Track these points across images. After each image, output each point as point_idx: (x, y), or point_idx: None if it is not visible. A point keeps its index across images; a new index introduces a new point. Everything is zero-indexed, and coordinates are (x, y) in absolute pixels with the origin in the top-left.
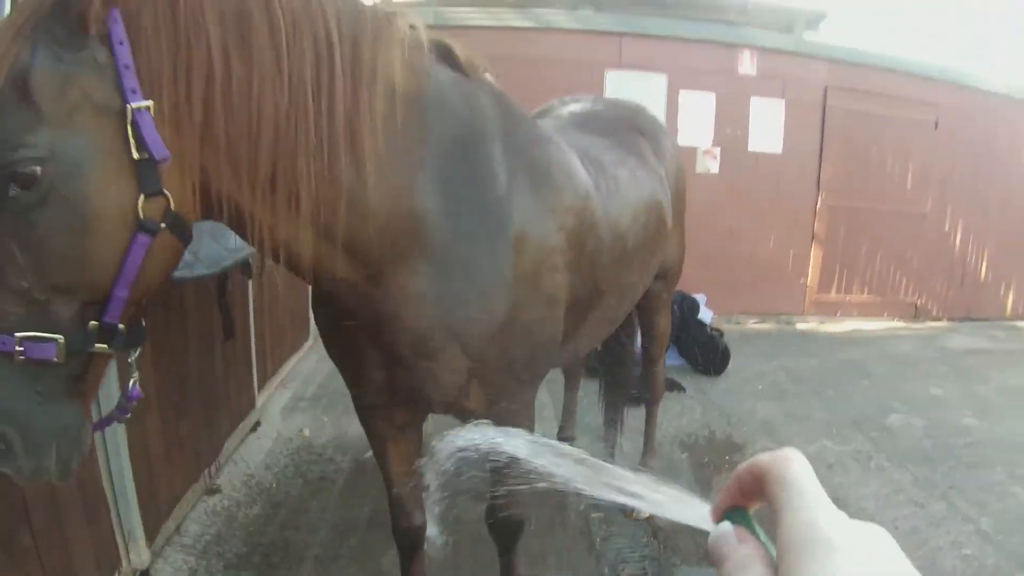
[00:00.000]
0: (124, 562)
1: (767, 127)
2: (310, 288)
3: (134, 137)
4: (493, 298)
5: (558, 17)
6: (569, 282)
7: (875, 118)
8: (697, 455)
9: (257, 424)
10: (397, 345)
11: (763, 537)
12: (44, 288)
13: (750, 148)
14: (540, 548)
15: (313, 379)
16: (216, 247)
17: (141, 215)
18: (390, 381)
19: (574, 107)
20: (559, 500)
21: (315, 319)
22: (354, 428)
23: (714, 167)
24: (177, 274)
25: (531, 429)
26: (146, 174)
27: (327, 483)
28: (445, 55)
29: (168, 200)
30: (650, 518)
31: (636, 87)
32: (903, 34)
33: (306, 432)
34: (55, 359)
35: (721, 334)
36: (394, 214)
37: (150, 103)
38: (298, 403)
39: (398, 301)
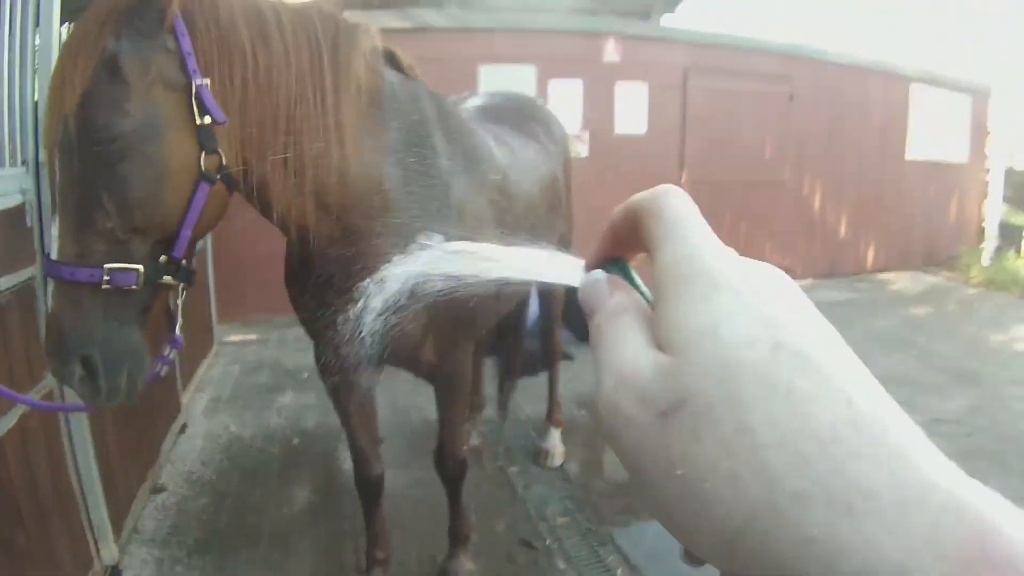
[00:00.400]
0: (95, 560)
1: (632, 110)
2: (287, 271)
3: (198, 105)
4: None
5: (433, 17)
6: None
7: (733, 94)
8: (594, 410)
9: (184, 426)
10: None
11: (643, 289)
12: (126, 229)
13: (616, 131)
14: (469, 504)
15: (226, 383)
16: None
17: (203, 167)
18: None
19: (476, 101)
20: (475, 456)
21: (289, 291)
22: (275, 420)
23: (583, 151)
24: None
25: (473, 379)
26: (206, 136)
27: (264, 471)
28: (391, 60)
29: (221, 157)
30: (563, 464)
31: (508, 78)
32: (756, 14)
33: (233, 428)
34: (135, 286)
35: None
36: (367, 185)
37: (207, 80)
38: (217, 404)
39: (369, 257)
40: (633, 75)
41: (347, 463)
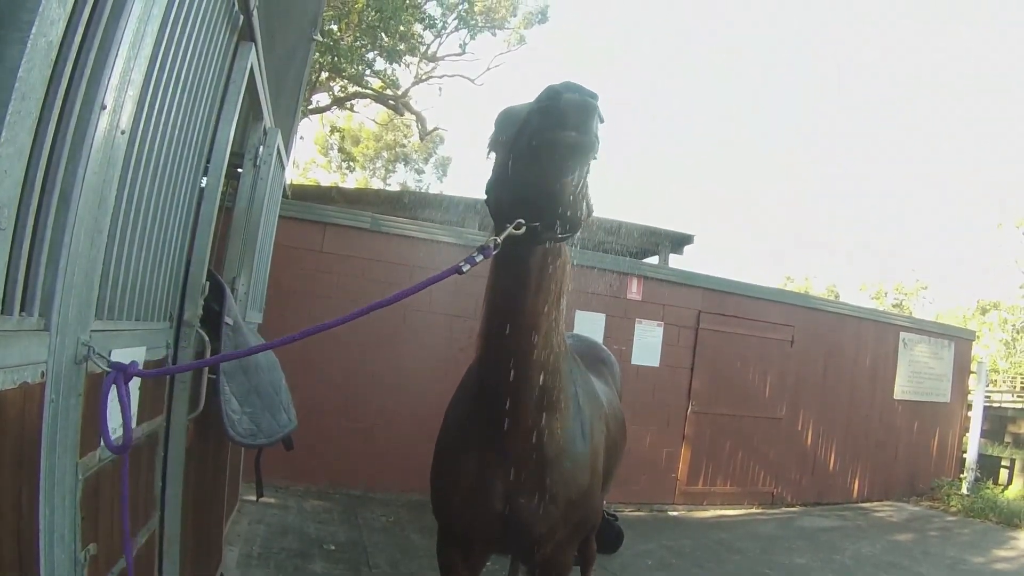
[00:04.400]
0: None
1: (648, 344)
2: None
3: None
4: (583, 463)
5: (478, 237)
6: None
7: (740, 338)
8: None
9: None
10: (534, 464)
11: None
12: None
13: (632, 362)
14: None
15: (253, 540)
16: (273, 422)
17: None
18: (504, 513)
19: None
20: None
21: (458, 461)
22: None
23: None
24: (243, 441)
25: None
26: None
27: None
28: None
29: None
30: None
31: None
32: (763, 256)
33: None
34: None
35: (615, 517)
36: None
37: None
38: (249, 560)
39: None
40: (651, 314)
41: None
